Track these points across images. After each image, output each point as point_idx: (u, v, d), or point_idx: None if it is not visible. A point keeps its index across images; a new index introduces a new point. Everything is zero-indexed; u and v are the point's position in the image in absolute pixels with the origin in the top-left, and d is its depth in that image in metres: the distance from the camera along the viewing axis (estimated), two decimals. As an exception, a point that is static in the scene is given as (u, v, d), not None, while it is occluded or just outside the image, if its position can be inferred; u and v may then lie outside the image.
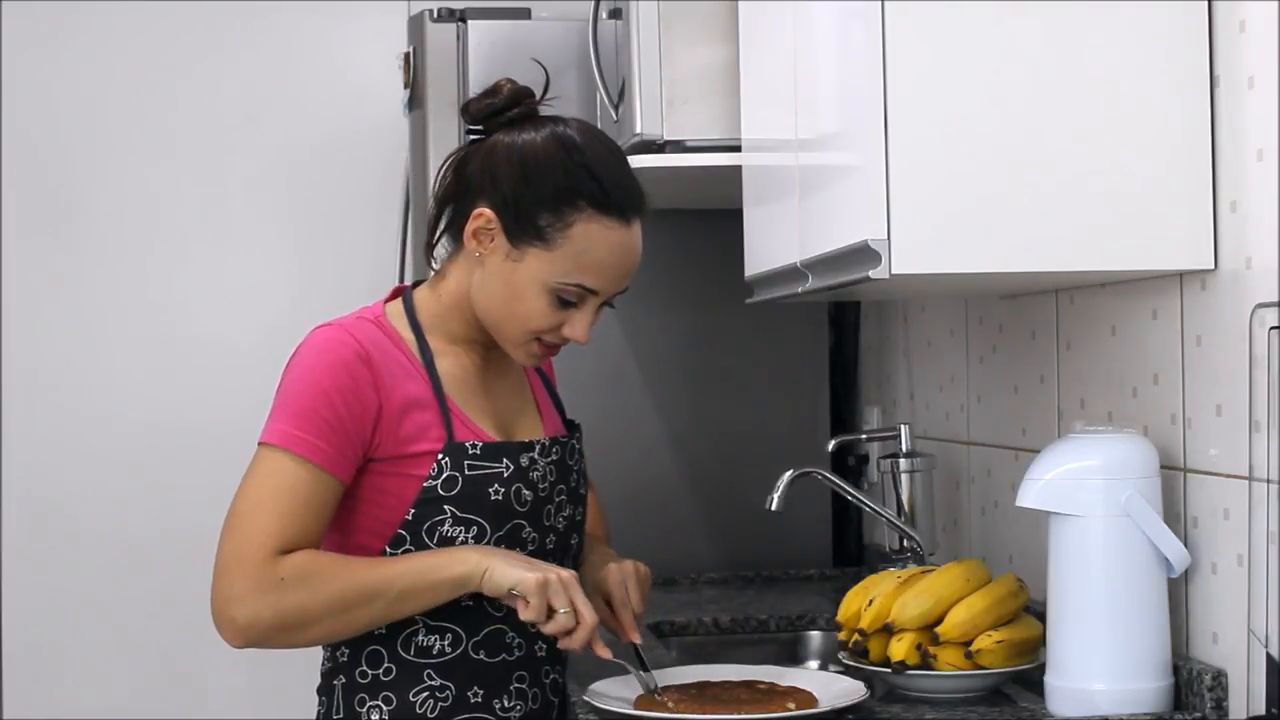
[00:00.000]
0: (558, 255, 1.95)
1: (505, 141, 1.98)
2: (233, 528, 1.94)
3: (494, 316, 2.00)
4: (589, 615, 1.89)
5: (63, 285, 3.82)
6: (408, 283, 2.18)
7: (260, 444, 1.96)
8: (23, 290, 3.81)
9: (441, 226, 2.05)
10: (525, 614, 1.88)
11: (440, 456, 1.95)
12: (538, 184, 1.95)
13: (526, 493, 1.99)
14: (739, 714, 1.93)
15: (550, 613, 1.88)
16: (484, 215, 1.97)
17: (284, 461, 1.92)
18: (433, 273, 2.09)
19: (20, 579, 3.79)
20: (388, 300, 2.08)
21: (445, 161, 2.05)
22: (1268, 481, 1.78)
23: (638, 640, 2.06)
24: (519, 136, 1.98)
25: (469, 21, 3.18)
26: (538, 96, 2.03)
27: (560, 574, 1.90)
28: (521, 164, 1.96)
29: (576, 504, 2.10)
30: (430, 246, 2.07)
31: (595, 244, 1.95)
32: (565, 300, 1.97)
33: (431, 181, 2.12)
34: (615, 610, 2.07)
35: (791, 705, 1.96)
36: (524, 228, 1.95)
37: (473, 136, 2.04)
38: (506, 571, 1.89)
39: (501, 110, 2.01)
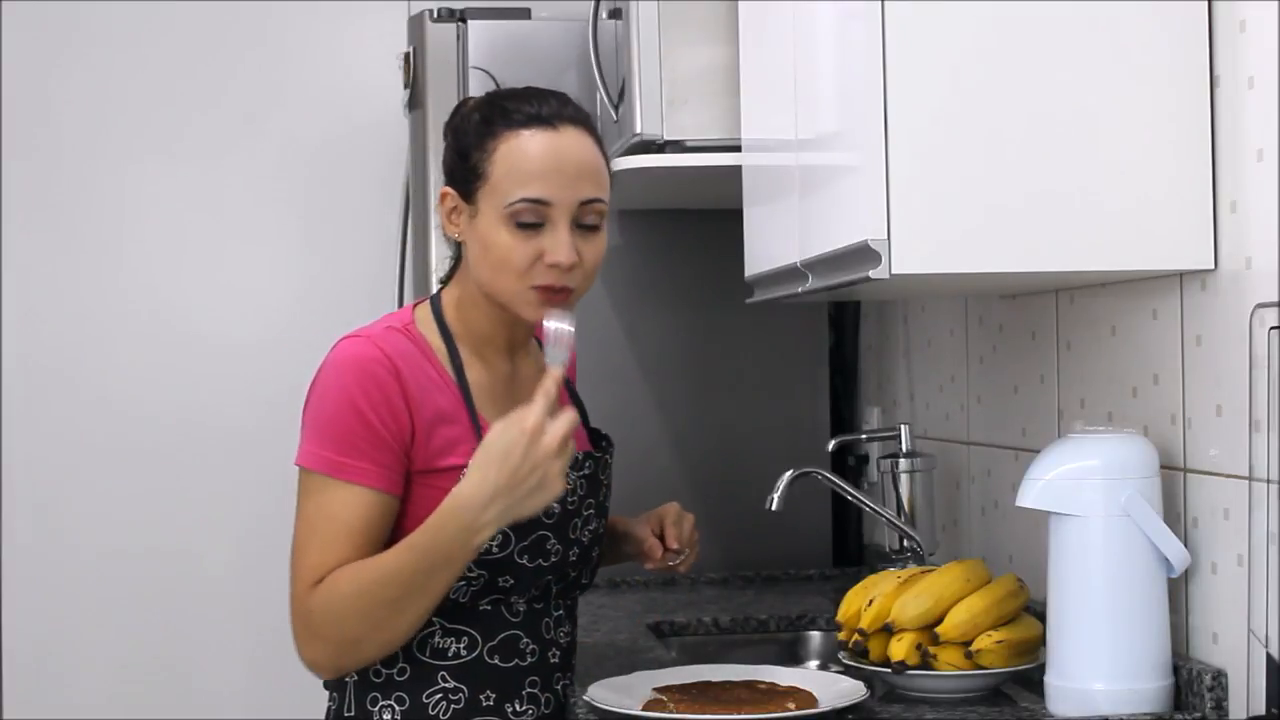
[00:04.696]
0: (496, 181, 1.97)
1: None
2: (290, 567, 1.93)
3: (486, 280, 2.00)
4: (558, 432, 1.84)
5: (63, 285, 3.82)
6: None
7: (302, 469, 1.94)
8: (24, 290, 3.81)
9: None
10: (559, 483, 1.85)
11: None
12: (463, 138, 2.02)
13: (555, 505, 1.98)
14: (739, 714, 1.93)
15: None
16: (445, 194, 2.03)
17: (331, 489, 1.91)
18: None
19: (20, 579, 3.80)
20: (418, 304, 2.08)
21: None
22: (1268, 481, 1.78)
23: (675, 548, 2.15)
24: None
25: (469, 21, 3.18)
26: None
27: (528, 452, 1.83)
28: (451, 133, 2.05)
29: (602, 517, 2.11)
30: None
31: (522, 154, 1.97)
32: (525, 223, 1.96)
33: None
34: (665, 529, 2.15)
35: (791, 705, 1.96)
36: (467, 179, 1.99)
37: None
38: (528, 507, 1.85)
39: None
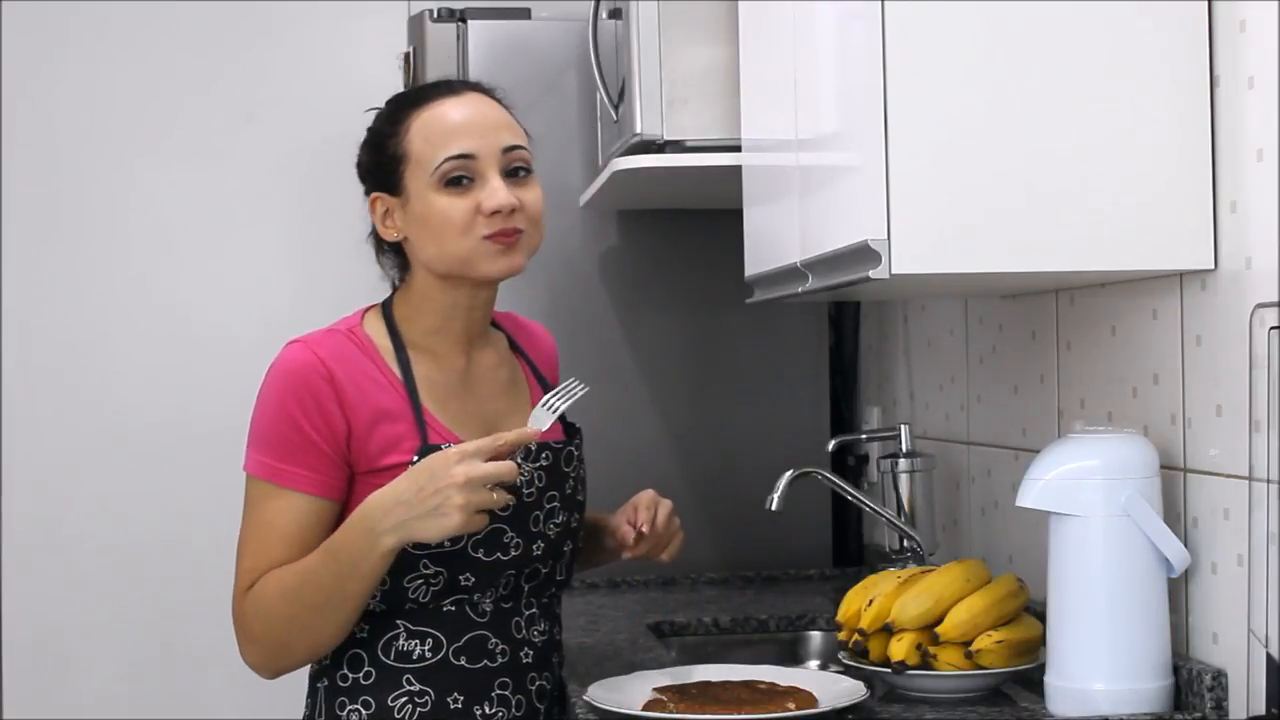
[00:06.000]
0: (417, 155, 2.00)
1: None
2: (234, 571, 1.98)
3: (435, 254, 2.01)
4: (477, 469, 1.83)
5: (63, 286, 3.82)
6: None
7: (246, 474, 1.98)
8: (23, 290, 3.82)
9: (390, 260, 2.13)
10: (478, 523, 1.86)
11: (415, 459, 1.94)
12: (374, 137, 2.07)
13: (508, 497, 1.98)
14: (739, 714, 1.93)
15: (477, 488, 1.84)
16: (373, 200, 2.07)
17: (270, 495, 1.95)
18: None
19: (20, 578, 3.80)
20: (369, 308, 2.09)
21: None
22: (1268, 481, 1.78)
23: (645, 530, 2.10)
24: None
25: (469, 21, 3.19)
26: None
27: (437, 474, 1.83)
28: (361, 148, 2.11)
29: (572, 510, 2.09)
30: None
31: (433, 122, 2.01)
32: (456, 181, 1.98)
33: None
34: (637, 514, 2.11)
35: (791, 705, 1.96)
36: (389, 169, 2.03)
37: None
38: (423, 529, 1.84)
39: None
